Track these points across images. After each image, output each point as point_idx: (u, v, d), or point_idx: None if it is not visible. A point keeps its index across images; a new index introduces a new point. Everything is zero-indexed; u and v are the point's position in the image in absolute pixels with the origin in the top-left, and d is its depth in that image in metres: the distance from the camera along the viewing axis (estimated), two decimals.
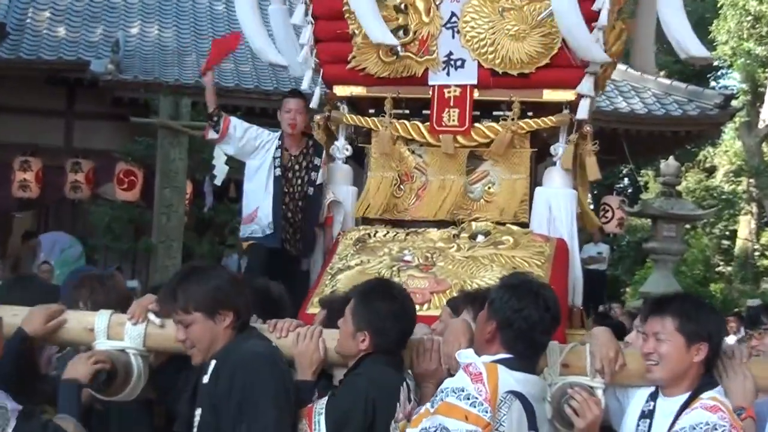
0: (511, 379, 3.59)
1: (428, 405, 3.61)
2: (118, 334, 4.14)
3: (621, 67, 18.91)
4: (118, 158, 17.05)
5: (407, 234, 6.49)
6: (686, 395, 3.75)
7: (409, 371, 4.02)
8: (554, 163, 6.71)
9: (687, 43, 6.53)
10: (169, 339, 4.05)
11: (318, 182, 6.86)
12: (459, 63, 6.66)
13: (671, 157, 19.45)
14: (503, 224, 6.49)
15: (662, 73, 19.54)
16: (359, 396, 3.75)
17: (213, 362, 3.79)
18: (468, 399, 3.47)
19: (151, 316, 4.11)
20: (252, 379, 3.66)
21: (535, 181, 6.79)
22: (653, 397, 3.85)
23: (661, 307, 3.87)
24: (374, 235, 6.51)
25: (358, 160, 7.09)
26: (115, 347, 4.11)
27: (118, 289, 4.75)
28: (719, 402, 3.67)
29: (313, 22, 6.86)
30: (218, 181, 9.70)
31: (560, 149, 6.65)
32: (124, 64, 17.85)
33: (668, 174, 18.39)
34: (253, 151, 6.96)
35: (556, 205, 6.56)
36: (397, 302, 3.99)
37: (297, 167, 6.91)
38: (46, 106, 18.50)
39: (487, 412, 3.44)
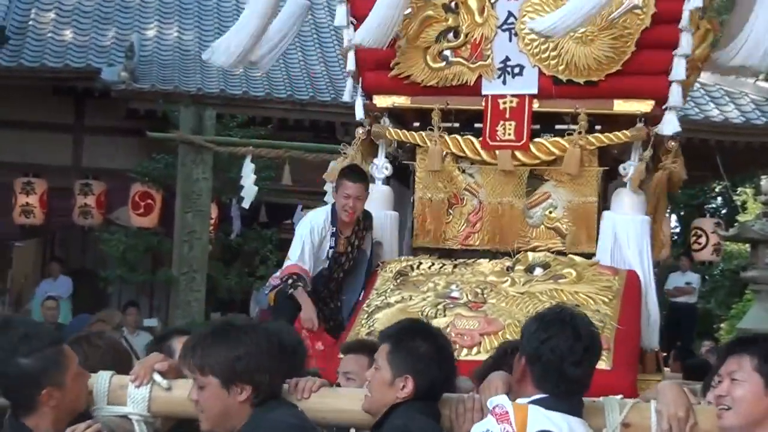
0: (546, 420, 3.69)
1: None
2: (119, 398, 4.20)
3: None
4: (133, 179, 17.23)
5: (455, 266, 6.58)
6: None
7: None
8: (624, 184, 6.78)
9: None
10: (176, 403, 4.10)
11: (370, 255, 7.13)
12: (517, 70, 6.77)
13: None
14: (565, 254, 6.57)
15: (762, 76, 19.46)
16: None
17: None
18: None
19: (157, 377, 4.16)
20: None
21: (605, 203, 6.86)
22: None
23: (740, 346, 3.92)
24: (417, 267, 6.61)
25: (401, 179, 7.21)
26: (117, 413, 4.18)
27: (110, 348, 4.78)
28: None
29: (354, 23, 6.98)
30: (246, 204, 9.86)
31: (631, 168, 6.73)
32: (139, 71, 18.05)
33: None
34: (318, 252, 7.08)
35: (624, 232, 6.63)
36: (438, 342, 4.09)
37: (349, 248, 7.12)
38: (51, 119, 18.81)
39: None
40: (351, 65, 7.10)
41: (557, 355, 3.77)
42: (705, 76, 18.42)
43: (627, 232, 6.63)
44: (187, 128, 15.44)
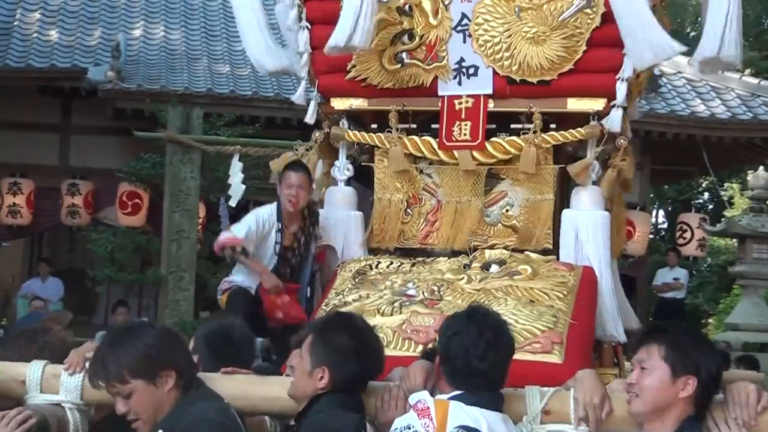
0: (465, 415, 3.87)
1: None
2: (53, 386, 4.35)
3: None
4: (120, 178, 17.42)
5: (413, 264, 6.70)
6: None
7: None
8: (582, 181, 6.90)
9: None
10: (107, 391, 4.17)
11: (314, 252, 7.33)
12: (472, 71, 6.88)
13: (761, 168, 19.47)
14: (521, 252, 6.70)
15: (747, 71, 19.64)
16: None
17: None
18: None
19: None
20: None
21: (560, 201, 7.00)
22: None
23: (650, 336, 4.11)
24: (376, 267, 6.73)
25: (362, 180, 7.34)
26: (50, 401, 4.33)
27: (54, 345, 4.91)
28: None
29: (309, 27, 7.11)
30: (234, 203, 9.99)
31: None
32: (126, 70, 18.24)
33: (757, 187, 18.40)
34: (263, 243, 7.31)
35: (585, 228, 6.75)
36: (361, 336, 4.25)
37: (296, 244, 7.31)
38: (38, 119, 19.01)
39: None
40: (304, 70, 7.23)
41: (462, 350, 3.98)
42: (691, 72, 18.64)
43: (587, 227, 6.75)
44: (174, 127, 15.49)
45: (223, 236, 7.30)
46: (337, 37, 6.54)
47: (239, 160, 13.76)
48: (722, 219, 20.20)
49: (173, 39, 20.22)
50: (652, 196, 20.07)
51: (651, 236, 19.55)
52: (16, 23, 19.64)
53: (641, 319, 19.40)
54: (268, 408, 4.50)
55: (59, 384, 4.34)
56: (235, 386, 4.38)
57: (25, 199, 18.38)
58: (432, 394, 4.07)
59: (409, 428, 3.84)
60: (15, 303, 17.82)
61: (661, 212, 25.49)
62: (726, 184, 27.11)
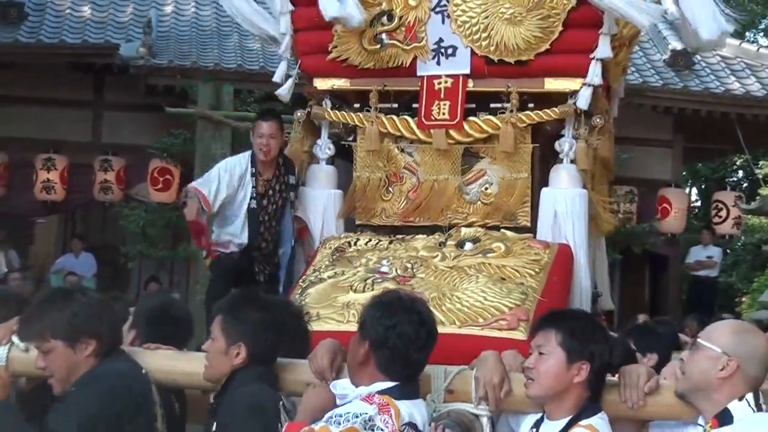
0: (405, 411, 4.04)
1: (318, 424, 3.98)
2: None
3: (734, 42, 19.07)
4: (151, 154, 17.75)
5: (390, 242, 6.91)
6: (567, 419, 4.17)
7: None
8: (561, 161, 7.13)
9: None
10: (33, 363, 4.47)
11: (293, 201, 7.58)
12: (450, 51, 7.10)
13: None
14: (498, 229, 6.91)
15: None
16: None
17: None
18: (373, 430, 3.91)
19: (15, 339, 4.59)
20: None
21: (541, 180, 7.21)
22: (537, 423, 4.28)
23: (549, 321, 4.33)
24: (354, 244, 6.93)
25: (347, 158, 7.57)
26: None
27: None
28: (592, 430, 4.09)
29: (292, 9, 7.36)
30: None
31: (566, 145, 7.07)
32: (157, 47, 18.37)
33: None
34: (237, 190, 7.58)
35: (563, 206, 6.98)
36: (269, 310, 4.49)
37: (271, 192, 7.60)
38: (70, 96, 19.24)
39: None
40: (286, 50, 7.51)
41: (404, 342, 4.09)
42: (726, 49, 18.64)
43: (565, 206, 6.96)
44: (205, 104, 15.69)
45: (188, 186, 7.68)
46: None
47: None
48: (757, 197, 20.19)
49: (204, 15, 20.36)
50: (684, 174, 20.07)
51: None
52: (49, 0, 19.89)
53: (674, 298, 19.67)
54: (188, 382, 4.73)
55: None
56: (156, 360, 4.64)
57: (59, 175, 18.71)
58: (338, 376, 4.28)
59: (370, 420, 3.90)
60: (49, 279, 18.16)
61: (694, 190, 25.39)
62: (761, 162, 26.93)
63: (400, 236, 7.02)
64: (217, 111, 15.64)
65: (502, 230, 6.91)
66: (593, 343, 4.22)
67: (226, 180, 7.48)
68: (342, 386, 4.21)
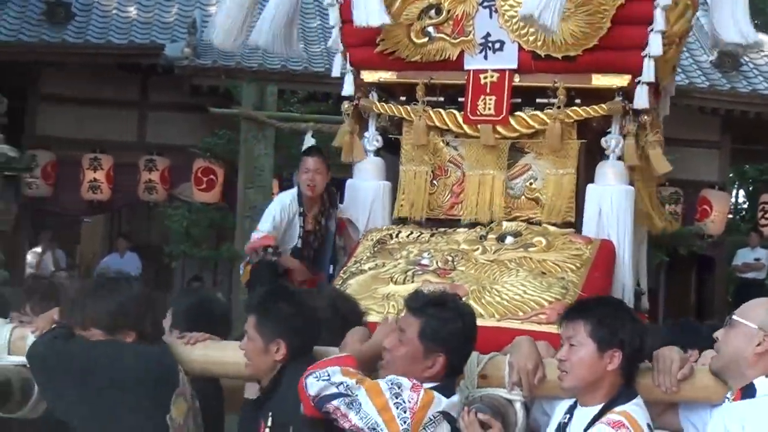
0: (445, 403, 4.15)
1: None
2: (20, 348, 4.63)
3: None
4: (195, 154, 17.96)
5: (432, 235, 6.94)
6: (600, 406, 4.20)
7: None
8: (607, 157, 7.11)
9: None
10: None
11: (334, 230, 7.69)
12: (497, 45, 7.08)
13: None
14: (539, 224, 6.93)
15: None
16: None
17: None
18: (397, 397, 4.03)
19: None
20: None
21: (586, 176, 7.20)
22: (571, 409, 4.32)
23: (576, 312, 4.36)
24: (396, 236, 6.98)
25: (393, 151, 7.59)
26: (15, 363, 4.62)
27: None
28: (627, 417, 4.10)
29: (340, 1, 7.38)
30: None
31: (612, 141, 7.05)
32: (201, 47, 18.54)
33: None
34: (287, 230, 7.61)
35: (608, 203, 6.95)
36: (300, 303, 4.57)
37: (317, 227, 7.69)
38: (116, 96, 19.51)
39: (405, 422, 4.01)
40: (338, 43, 7.50)
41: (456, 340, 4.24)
42: None
43: (610, 203, 6.94)
44: (248, 104, 15.84)
45: (253, 238, 7.55)
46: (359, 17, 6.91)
47: (312, 136, 14.15)
48: None
49: None
50: (731, 175, 20.00)
51: (731, 216, 19.43)
52: (95, 0, 20.12)
53: (720, 299, 19.54)
54: (222, 372, 4.81)
55: (25, 346, 4.58)
56: (193, 350, 4.71)
57: (105, 174, 18.98)
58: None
59: (399, 387, 4.05)
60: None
61: (742, 192, 25.17)
62: None
63: (441, 229, 7.05)
64: (260, 111, 15.78)
65: (544, 225, 6.92)
66: (623, 330, 4.24)
67: (285, 220, 7.55)
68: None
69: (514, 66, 7.09)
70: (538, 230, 6.81)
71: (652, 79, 6.92)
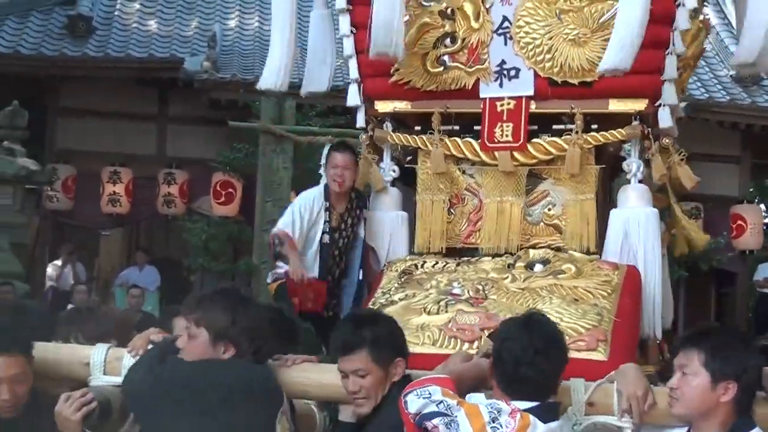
0: (543, 428, 4.09)
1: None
2: (115, 369, 4.70)
3: None
4: (214, 168, 17.93)
5: (458, 264, 6.90)
6: None
7: None
8: (628, 181, 7.07)
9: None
10: None
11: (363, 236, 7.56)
12: (513, 72, 7.06)
13: None
14: (564, 251, 6.89)
15: None
16: None
17: None
18: (494, 421, 4.01)
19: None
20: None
21: (603, 200, 7.17)
22: None
23: (691, 340, 4.27)
24: (422, 266, 6.94)
25: (407, 181, 7.56)
26: (112, 383, 4.67)
27: (110, 317, 5.35)
28: None
29: (354, 32, 7.39)
30: None
31: (633, 165, 7.01)
32: (221, 61, 18.64)
33: None
34: (312, 226, 7.52)
35: (634, 226, 6.91)
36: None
37: (343, 225, 7.55)
38: (136, 109, 19.54)
39: None
40: (354, 73, 7.48)
41: (512, 356, 4.15)
42: None
43: (636, 225, 6.90)
44: (267, 118, 15.72)
45: (274, 231, 7.56)
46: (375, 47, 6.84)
47: None
48: None
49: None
50: (751, 190, 19.90)
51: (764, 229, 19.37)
52: (116, 13, 20.27)
53: (741, 315, 19.44)
54: (320, 394, 4.84)
55: (121, 367, 4.66)
56: (293, 373, 4.75)
57: (124, 188, 18.97)
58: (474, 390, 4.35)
59: (498, 411, 4.03)
60: (114, 292, 18.33)
61: (762, 206, 24.95)
62: None
63: (465, 258, 7.02)
64: (279, 125, 15.66)
65: (569, 252, 6.89)
66: (738, 362, 4.16)
67: (306, 218, 7.46)
68: (476, 398, 4.26)
69: (531, 93, 7.06)
70: (566, 257, 6.79)
71: (673, 101, 6.93)
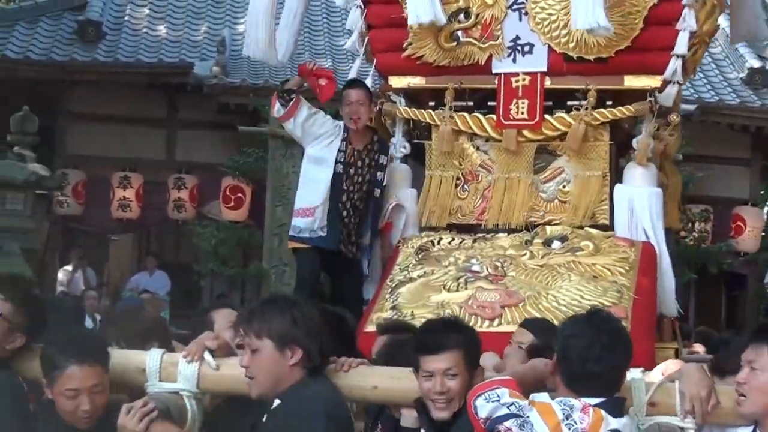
0: (615, 423, 3.96)
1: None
2: (171, 375, 4.55)
3: None
4: (224, 172, 17.82)
5: (474, 240, 6.87)
6: None
7: None
8: (634, 158, 7.03)
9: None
10: (224, 380, 4.49)
11: (384, 183, 7.32)
12: (527, 48, 7.06)
13: None
14: (581, 227, 6.84)
15: None
16: None
17: (276, 401, 4.21)
18: (568, 418, 3.89)
19: (207, 356, 4.55)
20: None
21: (619, 177, 7.12)
22: None
23: (762, 335, 4.13)
24: (438, 243, 6.91)
25: (418, 158, 7.50)
26: (169, 389, 4.54)
27: (149, 318, 5.27)
28: None
29: (362, 5, 7.35)
30: None
31: (642, 142, 6.95)
32: (230, 66, 18.59)
33: None
34: (316, 138, 7.35)
35: (640, 204, 6.88)
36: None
37: (360, 163, 7.30)
38: (145, 114, 19.44)
39: None
40: (360, 46, 7.50)
41: (578, 353, 4.00)
42: None
43: (642, 204, 6.87)
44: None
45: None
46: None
47: None
48: None
49: None
50: (762, 192, 19.83)
51: (763, 234, 19.21)
52: (126, 19, 20.21)
53: (751, 317, 19.32)
54: (374, 397, 4.64)
55: (177, 372, 4.53)
56: (347, 376, 4.55)
57: (135, 193, 18.86)
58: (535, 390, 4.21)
59: (570, 408, 3.90)
60: (124, 297, 18.25)
61: (765, 210, 24.79)
62: None
63: (481, 234, 6.98)
64: None
65: (587, 228, 6.85)
66: None
67: (320, 120, 7.35)
68: (542, 398, 4.11)
69: (544, 68, 7.07)
70: (583, 234, 6.76)
71: (679, 78, 6.89)
